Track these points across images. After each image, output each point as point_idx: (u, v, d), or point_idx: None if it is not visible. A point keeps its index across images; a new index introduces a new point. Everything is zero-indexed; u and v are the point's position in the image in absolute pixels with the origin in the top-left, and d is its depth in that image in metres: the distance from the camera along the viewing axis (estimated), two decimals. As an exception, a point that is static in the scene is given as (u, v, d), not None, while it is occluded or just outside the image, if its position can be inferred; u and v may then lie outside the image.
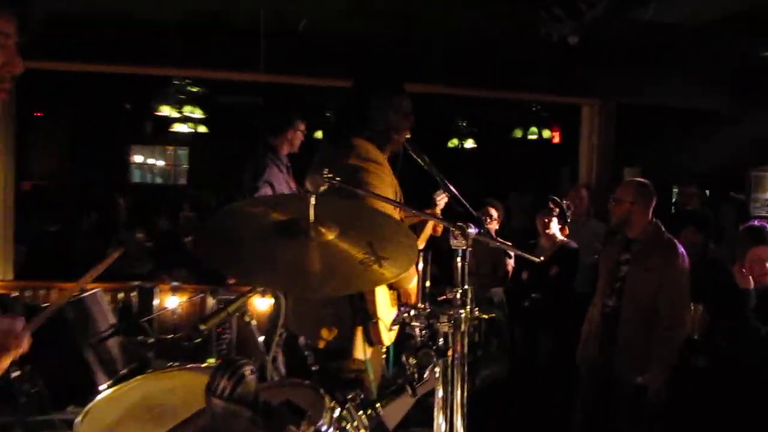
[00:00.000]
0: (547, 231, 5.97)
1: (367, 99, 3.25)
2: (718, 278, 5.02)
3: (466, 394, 1.91)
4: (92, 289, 5.71)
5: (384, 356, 3.28)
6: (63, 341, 4.92)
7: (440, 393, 1.91)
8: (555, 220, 5.95)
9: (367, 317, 3.02)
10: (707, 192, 8.65)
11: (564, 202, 6.10)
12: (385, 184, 3.04)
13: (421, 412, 2.26)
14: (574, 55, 6.23)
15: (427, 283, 1.94)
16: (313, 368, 2.80)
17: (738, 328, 4.42)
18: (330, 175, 2.04)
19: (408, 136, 3.33)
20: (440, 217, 3.44)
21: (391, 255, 1.86)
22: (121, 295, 6.32)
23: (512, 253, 6.39)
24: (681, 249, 4.61)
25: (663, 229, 4.70)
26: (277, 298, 2.21)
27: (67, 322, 5.08)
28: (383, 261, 1.82)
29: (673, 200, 9.08)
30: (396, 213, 2.87)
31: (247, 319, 2.32)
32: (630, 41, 6.45)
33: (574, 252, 5.90)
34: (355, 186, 2.53)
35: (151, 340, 5.48)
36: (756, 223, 4.99)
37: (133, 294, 6.22)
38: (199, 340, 5.45)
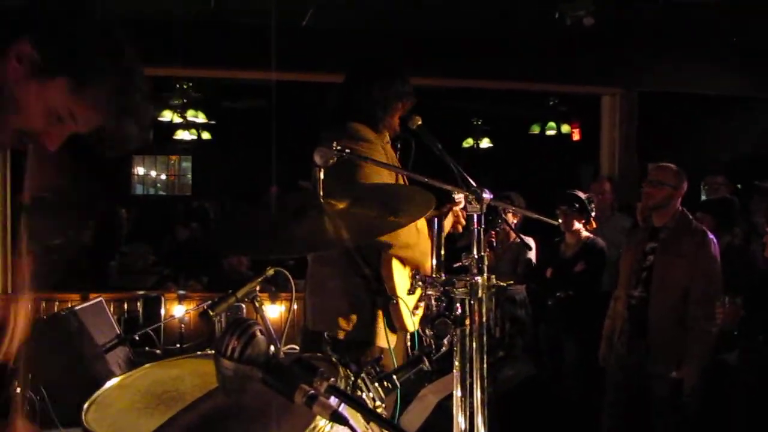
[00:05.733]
0: (570, 227, 5.93)
1: (357, 82, 3.40)
2: (748, 268, 5.01)
3: (486, 386, 1.94)
4: (94, 299, 5.76)
5: (409, 344, 3.31)
6: (66, 353, 4.95)
7: (459, 393, 1.94)
8: (576, 215, 5.90)
9: (386, 298, 3.08)
10: (738, 185, 8.56)
11: (585, 195, 6.06)
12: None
13: (443, 419, 2.27)
14: (592, 42, 6.25)
15: (442, 252, 1.96)
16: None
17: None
18: (339, 147, 2.11)
19: (419, 122, 3.38)
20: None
21: (401, 209, 1.94)
22: (126, 305, 6.36)
23: (533, 248, 6.38)
24: (711, 236, 4.64)
25: (690, 216, 4.74)
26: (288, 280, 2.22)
27: (70, 333, 5.11)
28: (390, 215, 1.93)
29: (703, 196, 9.02)
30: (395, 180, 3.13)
31: (257, 304, 2.33)
32: (650, 25, 6.45)
33: (601, 248, 5.88)
34: (348, 164, 2.73)
35: (158, 350, 5.50)
36: None
37: (139, 303, 6.25)
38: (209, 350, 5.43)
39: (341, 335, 3.14)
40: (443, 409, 2.22)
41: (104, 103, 1.62)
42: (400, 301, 3.09)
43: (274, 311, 5.90)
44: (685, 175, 4.77)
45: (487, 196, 1.90)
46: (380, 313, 3.16)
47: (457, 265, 1.91)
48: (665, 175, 4.72)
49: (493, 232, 5.17)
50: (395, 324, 3.16)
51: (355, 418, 1.45)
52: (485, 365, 1.92)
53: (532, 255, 6.51)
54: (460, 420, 1.95)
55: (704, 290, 4.49)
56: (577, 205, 5.87)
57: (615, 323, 4.89)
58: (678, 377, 4.52)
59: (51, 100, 1.58)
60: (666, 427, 4.67)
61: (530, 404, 5.76)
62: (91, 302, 5.59)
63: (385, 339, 3.11)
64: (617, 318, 4.87)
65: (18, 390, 3.77)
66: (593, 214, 5.97)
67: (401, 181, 3.24)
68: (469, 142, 12.10)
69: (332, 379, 1.35)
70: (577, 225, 5.89)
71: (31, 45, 1.56)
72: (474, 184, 2.10)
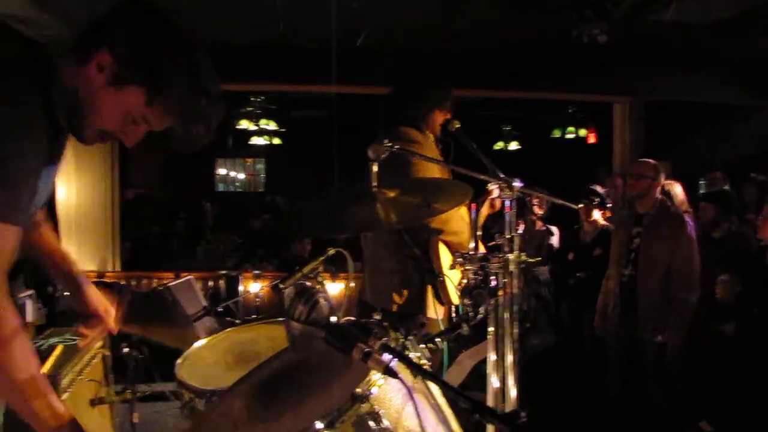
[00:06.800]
0: (589, 217, 5.88)
1: (407, 92, 3.41)
2: (745, 250, 4.93)
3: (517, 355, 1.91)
4: (185, 277, 5.84)
5: (454, 315, 3.31)
6: (162, 321, 5.04)
7: (493, 356, 1.91)
8: (595, 207, 5.86)
9: (434, 276, 3.09)
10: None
11: (602, 189, 6.03)
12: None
13: (477, 378, 2.24)
14: (605, 57, 6.15)
15: (478, 232, 1.94)
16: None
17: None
18: (389, 144, 2.11)
19: (458, 125, 3.37)
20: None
21: (443, 198, 1.92)
22: (210, 283, 6.44)
23: (556, 235, 6.35)
24: (688, 219, 4.61)
25: (669, 204, 4.69)
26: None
27: (165, 304, 5.20)
28: (434, 204, 1.93)
29: (702, 189, 8.84)
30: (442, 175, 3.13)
31: (320, 279, 2.32)
32: (656, 42, 6.32)
33: (616, 235, 5.81)
34: (402, 161, 2.81)
35: (237, 320, 5.55)
36: None
37: (221, 281, 6.33)
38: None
39: (394, 308, 3.15)
40: (478, 372, 2.20)
41: (174, 109, 1.57)
42: (447, 279, 3.09)
43: (333, 289, 5.91)
44: (662, 168, 4.72)
45: (517, 184, 1.88)
46: (429, 288, 3.17)
47: (492, 244, 1.89)
48: (645, 169, 4.67)
49: (521, 222, 5.15)
50: (442, 298, 3.15)
51: (404, 373, 1.43)
52: (516, 331, 1.89)
53: (554, 241, 6.46)
54: (493, 380, 1.93)
55: (684, 267, 4.47)
56: (596, 199, 5.82)
57: (608, 299, 4.88)
58: (662, 341, 4.50)
59: (126, 105, 1.55)
60: (654, 385, 4.64)
61: (552, 369, 5.72)
62: (182, 280, 5.68)
63: (434, 311, 3.13)
64: (610, 294, 4.85)
65: (126, 350, 3.85)
66: (609, 205, 5.93)
67: (446, 175, 3.23)
68: (499, 145, 12.03)
69: (385, 339, 1.34)
70: (596, 215, 5.83)
71: (110, 55, 1.53)
72: (503, 175, 2.08)
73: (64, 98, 1.54)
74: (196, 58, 1.58)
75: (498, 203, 3.37)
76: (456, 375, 2.28)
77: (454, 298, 3.13)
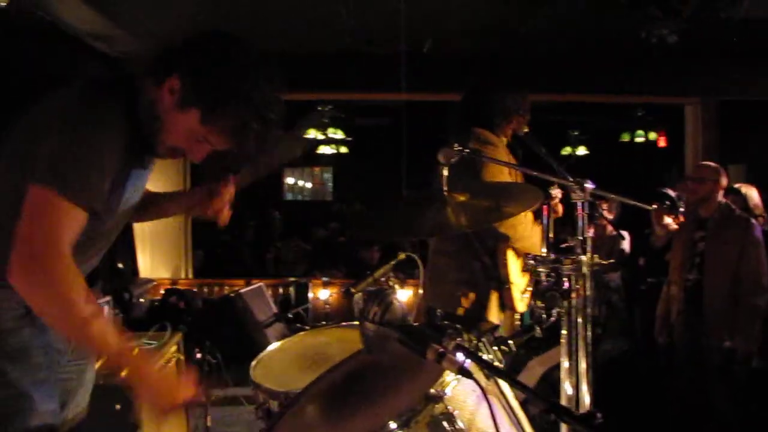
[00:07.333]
0: (661, 221, 5.74)
1: (483, 94, 3.39)
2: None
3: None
4: (256, 284, 5.95)
5: (518, 323, 3.28)
6: (235, 326, 5.14)
7: (566, 364, 1.89)
8: (666, 211, 5.72)
9: (501, 283, 3.07)
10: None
11: (674, 193, 5.88)
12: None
13: (547, 385, 2.21)
14: (675, 57, 6.01)
15: (551, 234, 1.93)
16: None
17: None
18: (459, 148, 2.10)
19: (526, 130, 3.38)
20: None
21: (514, 202, 1.91)
22: (281, 290, 6.54)
23: (627, 239, 6.23)
24: (754, 222, 4.49)
25: (734, 207, 4.58)
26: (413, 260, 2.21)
27: (237, 310, 5.31)
28: (504, 207, 1.92)
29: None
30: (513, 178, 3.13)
31: (391, 284, 2.34)
32: (727, 39, 6.14)
33: (688, 240, 5.67)
34: (475, 163, 2.82)
35: (307, 327, 5.62)
36: None
37: (291, 288, 6.42)
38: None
39: (461, 311, 3.14)
40: (548, 380, 2.17)
41: (227, 129, 1.74)
42: (513, 287, 3.07)
43: (401, 295, 5.91)
44: (724, 170, 4.59)
45: (589, 185, 1.86)
46: (494, 294, 3.16)
47: (564, 245, 1.87)
48: (706, 172, 4.57)
49: (591, 226, 5.05)
50: (506, 305, 3.14)
51: (477, 374, 1.42)
52: (589, 334, 1.86)
53: (625, 246, 6.34)
54: (566, 387, 1.90)
55: (751, 270, 4.34)
56: (668, 203, 5.68)
57: (670, 305, 4.77)
58: (731, 347, 4.36)
59: (188, 125, 1.74)
60: (720, 390, 4.51)
61: (624, 374, 5.62)
62: (253, 287, 5.80)
63: (496, 316, 3.12)
64: (672, 301, 4.74)
65: (199, 355, 3.95)
66: (681, 210, 5.78)
67: (518, 179, 3.21)
68: (567, 150, 11.85)
69: (459, 339, 1.33)
70: (667, 219, 5.68)
71: (179, 80, 1.71)
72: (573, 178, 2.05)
73: (145, 110, 1.74)
74: (253, 84, 1.72)
75: (560, 208, 3.34)
76: (526, 381, 2.26)
77: (519, 305, 3.12)
